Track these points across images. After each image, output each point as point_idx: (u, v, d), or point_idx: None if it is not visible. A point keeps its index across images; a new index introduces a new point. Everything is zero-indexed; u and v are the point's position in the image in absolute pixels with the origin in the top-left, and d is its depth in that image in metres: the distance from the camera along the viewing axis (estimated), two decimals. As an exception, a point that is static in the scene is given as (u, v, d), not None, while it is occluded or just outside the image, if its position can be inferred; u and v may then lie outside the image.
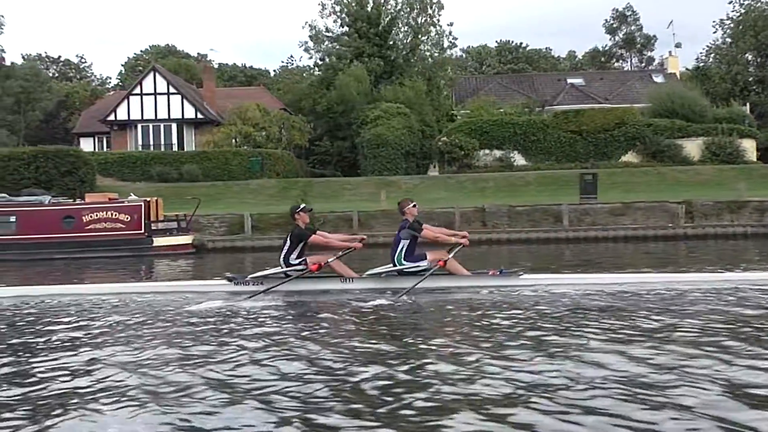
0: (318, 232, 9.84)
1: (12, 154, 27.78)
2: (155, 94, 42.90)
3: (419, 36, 43.05)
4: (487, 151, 32.54)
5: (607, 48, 61.31)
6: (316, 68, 50.05)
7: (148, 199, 20.37)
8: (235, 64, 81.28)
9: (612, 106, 35.38)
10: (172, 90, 43.08)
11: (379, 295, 8.69)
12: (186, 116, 42.79)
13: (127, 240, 19.64)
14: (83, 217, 19.71)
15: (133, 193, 21.34)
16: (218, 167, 33.38)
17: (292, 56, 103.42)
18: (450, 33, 43.10)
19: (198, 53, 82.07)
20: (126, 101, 42.87)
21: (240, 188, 29.89)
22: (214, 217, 21.96)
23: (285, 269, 9.43)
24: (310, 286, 9.37)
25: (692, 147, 31.27)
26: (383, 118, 35.61)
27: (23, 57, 65.75)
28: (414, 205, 9.68)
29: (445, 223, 21.57)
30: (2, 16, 42.76)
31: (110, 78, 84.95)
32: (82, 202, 20.32)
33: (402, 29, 42.88)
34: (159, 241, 19.68)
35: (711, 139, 31.05)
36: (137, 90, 43.11)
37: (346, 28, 42.99)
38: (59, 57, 78.43)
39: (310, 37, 43.81)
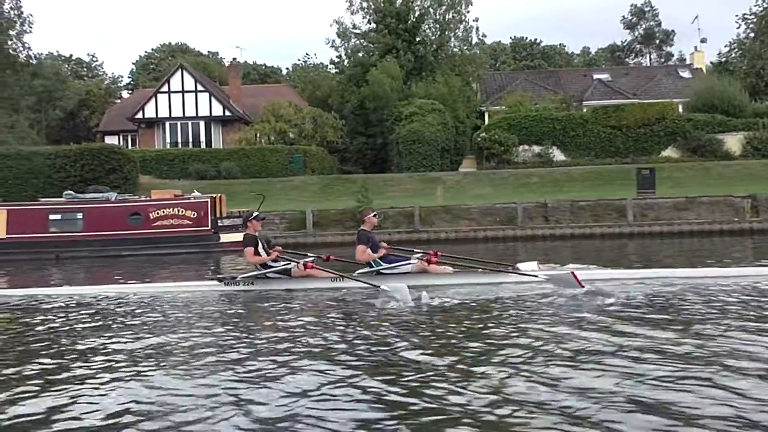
0: (248, 249, 9.98)
1: (58, 152, 27.79)
2: (183, 91, 42.84)
3: (446, 32, 43.00)
4: (525, 147, 32.54)
5: (625, 43, 61.29)
6: (332, 65, 49.96)
7: (214, 195, 20.33)
8: (246, 61, 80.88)
9: (652, 101, 35.34)
10: (200, 88, 43.06)
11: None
12: (214, 114, 42.77)
13: (194, 236, 19.60)
14: (150, 214, 19.67)
15: (196, 189, 21.29)
16: (256, 164, 33.34)
17: (307, 54, 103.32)
18: (477, 29, 43.07)
19: (209, 51, 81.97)
20: (154, 99, 42.80)
21: (283, 185, 29.83)
22: (274, 213, 21.91)
23: (265, 271, 9.90)
24: (303, 285, 9.60)
25: (733, 142, 31.28)
26: (418, 114, 35.57)
27: (34, 56, 65.39)
28: (374, 215, 10.10)
29: (508, 218, 21.62)
30: (31, 15, 42.48)
31: (122, 76, 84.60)
32: (149, 198, 20.27)
33: (430, 25, 42.80)
34: (226, 238, 19.61)
35: (752, 134, 31.07)
36: (165, 88, 43.04)
37: (373, 25, 42.89)
38: (71, 56, 78.12)
39: (337, 33, 43.72)
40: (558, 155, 32.51)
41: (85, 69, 79.65)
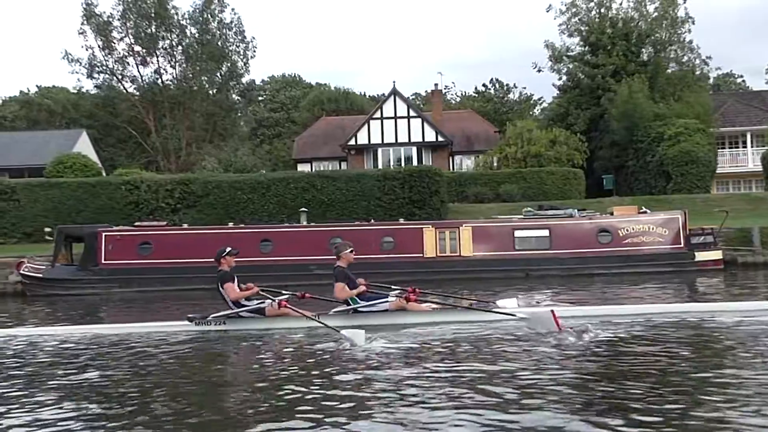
0: (228, 285, 9.60)
1: (386, 174, 26.95)
2: (395, 117, 42.19)
3: (662, 54, 41.91)
4: (825, 167, 31.02)
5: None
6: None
7: (685, 210, 18.96)
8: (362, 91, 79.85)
9: None
10: (412, 114, 42.58)
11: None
12: (426, 139, 42.00)
13: (667, 254, 18.14)
14: (619, 231, 18.31)
15: (643, 206, 19.94)
16: (533, 187, 32.15)
17: (446, 86, 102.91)
18: (697, 47, 41.87)
19: (316, 83, 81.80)
20: (366, 125, 42.16)
21: (592, 207, 28.35)
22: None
23: (238, 310, 9.52)
24: (277, 324, 9.39)
25: None
26: (684, 134, 34.31)
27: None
28: (351, 251, 9.75)
29: None
30: (254, 38, 42.20)
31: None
32: (615, 216, 18.91)
33: (649, 45, 41.79)
34: (701, 256, 18.14)
35: None
36: (377, 114, 42.45)
37: (587, 47, 41.93)
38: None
39: (550, 57, 42.81)
40: None
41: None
